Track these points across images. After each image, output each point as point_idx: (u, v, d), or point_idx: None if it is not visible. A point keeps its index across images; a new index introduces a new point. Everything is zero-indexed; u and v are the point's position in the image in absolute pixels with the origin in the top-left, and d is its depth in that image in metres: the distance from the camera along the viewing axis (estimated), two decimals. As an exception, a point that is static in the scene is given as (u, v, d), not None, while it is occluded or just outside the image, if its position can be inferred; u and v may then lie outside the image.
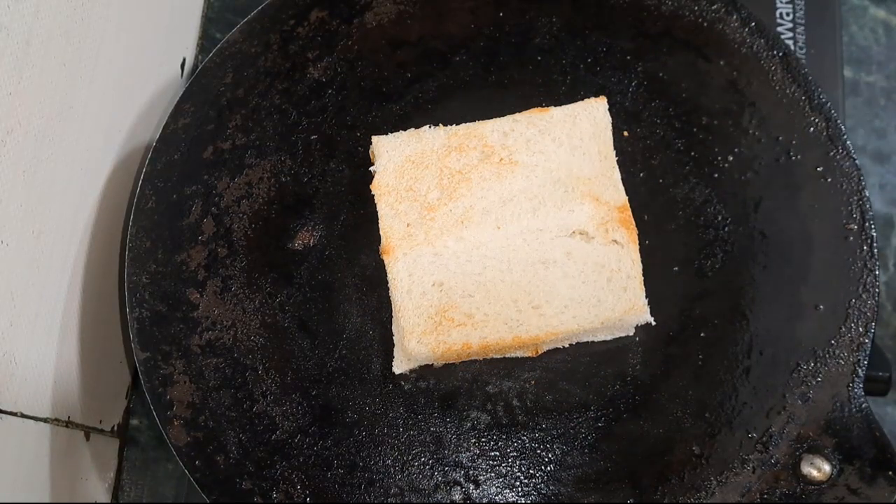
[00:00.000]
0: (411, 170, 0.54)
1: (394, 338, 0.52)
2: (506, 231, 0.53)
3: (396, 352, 0.52)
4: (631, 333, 0.53)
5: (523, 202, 0.53)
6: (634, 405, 0.52)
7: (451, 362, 0.53)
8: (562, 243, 0.52)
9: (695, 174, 0.56)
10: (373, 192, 0.54)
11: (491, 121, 0.55)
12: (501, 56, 0.59)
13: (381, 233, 0.53)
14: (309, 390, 0.52)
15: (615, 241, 0.52)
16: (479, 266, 0.52)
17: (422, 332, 0.51)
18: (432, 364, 0.53)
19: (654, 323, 0.52)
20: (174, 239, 0.54)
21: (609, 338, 0.53)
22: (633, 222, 0.53)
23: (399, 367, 0.52)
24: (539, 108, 0.55)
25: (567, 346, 0.53)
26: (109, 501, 0.59)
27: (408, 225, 0.53)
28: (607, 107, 0.55)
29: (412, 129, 0.55)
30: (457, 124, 0.55)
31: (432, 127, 0.55)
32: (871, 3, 0.69)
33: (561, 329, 0.51)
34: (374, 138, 0.55)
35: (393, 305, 0.52)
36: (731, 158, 0.56)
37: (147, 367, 0.52)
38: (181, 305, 0.53)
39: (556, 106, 0.55)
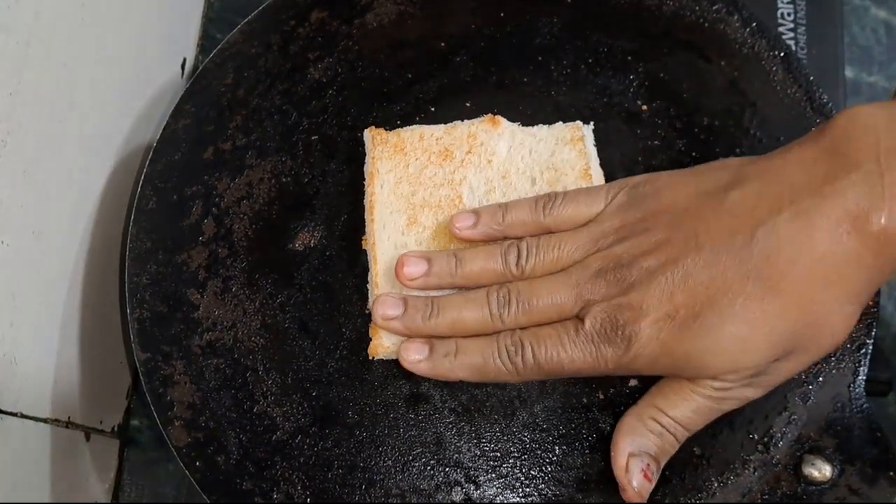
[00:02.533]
0: (402, 167, 0.54)
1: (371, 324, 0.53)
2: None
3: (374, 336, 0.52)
4: None
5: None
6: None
7: None
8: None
9: (696, 175, 0.56)
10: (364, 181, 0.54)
11: (478, 121, 0.55)
12: (502, 56, 0.59)
13: (366, 224, 0.53)
14: (309, 391, 0.52)
15: None
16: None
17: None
18: None
19: None
20: (175, 240, 0.54)
21: None
22: None
23: (374, 350, 0.52)
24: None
25: None
26: (110, 502, 0.59)
27: (393, 222, 0.53)
28: (591, 135, 0.55)
29: (405, 126, 0.56)
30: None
31: (423, 126, 0.56)
32: (872, 4, 0.69)
33: None
34: (370, 130, 0.55)
35: (370, 293, 0.53)
36: (732, 159, 0.56)
37: (147, 368, 0.52)
38: (182, 306, 0.53)
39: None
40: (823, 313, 0.42)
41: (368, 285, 0.53)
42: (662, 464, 0.46)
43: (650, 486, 0.44)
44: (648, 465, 0.44)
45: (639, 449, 0.45)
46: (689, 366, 0.44)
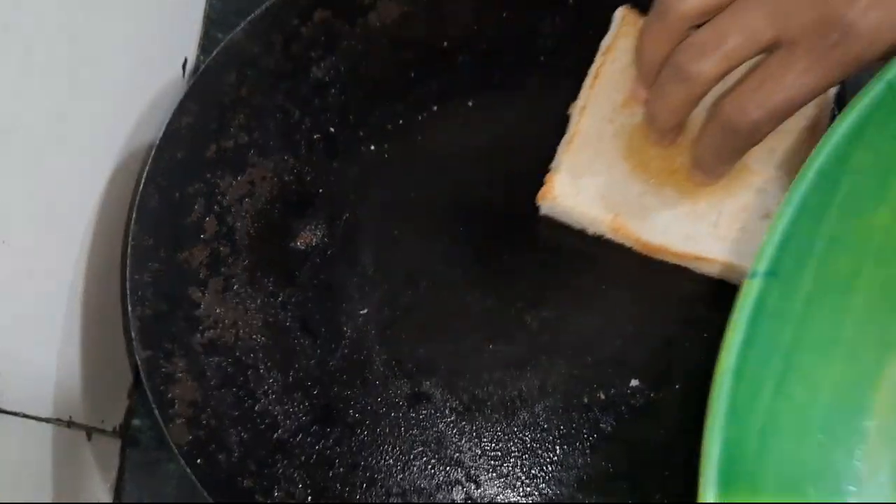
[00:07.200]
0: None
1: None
2: None
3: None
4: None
5: None
6: (636, 406, 0.52)
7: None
8: None
9: (697, 174, 0.56)
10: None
11: None
12: (505, 57, 0.59)
13: (581, 91, 0.54)
14: (310, 389, 0.52)
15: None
16: None
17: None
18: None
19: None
20: (176, 237, 0.54)
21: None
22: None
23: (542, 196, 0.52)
24: None
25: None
26: (111, 501, 0.59)
27: (609, 98, 0.53)
28: None
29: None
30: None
31: None
32: (873, 5, 0.68)
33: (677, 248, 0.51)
34: (623, 8, 0.55)
35: (557, 155, 0.53)
36: (733, 159, 0.56)
37: (149, 366, 0.52)
38: (183, 304, 0.53)
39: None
40: None
41: (559, 148, 0.53)
42: None
43: None
44: None
45: None
46: None
